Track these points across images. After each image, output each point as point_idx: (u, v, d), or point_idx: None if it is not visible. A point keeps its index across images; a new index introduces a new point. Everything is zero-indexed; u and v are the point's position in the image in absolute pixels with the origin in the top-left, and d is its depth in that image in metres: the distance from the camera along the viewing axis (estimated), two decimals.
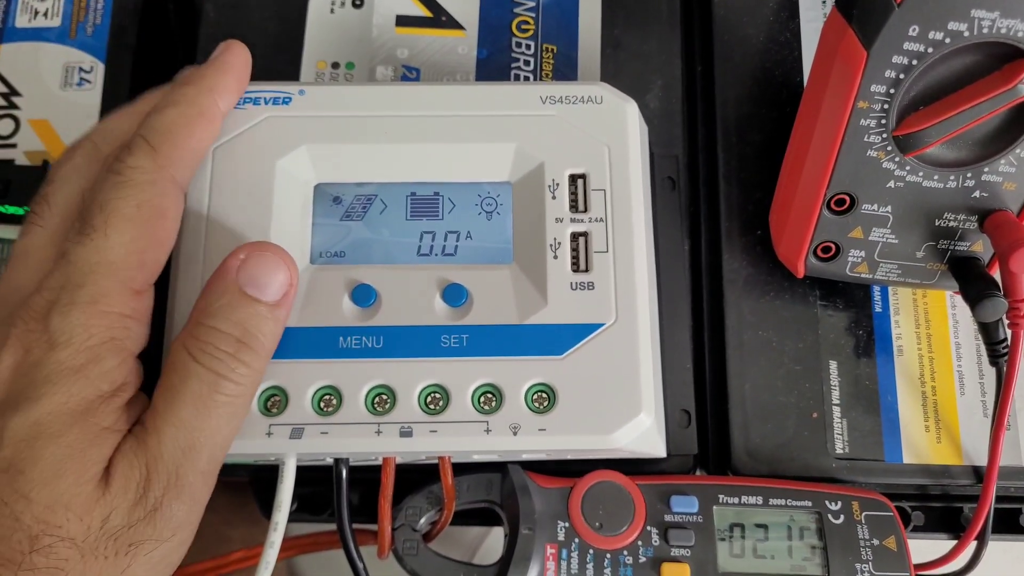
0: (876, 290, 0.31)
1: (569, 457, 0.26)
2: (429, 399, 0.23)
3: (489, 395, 0.23)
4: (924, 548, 0.30)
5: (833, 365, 0.30)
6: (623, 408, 0.23)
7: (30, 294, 0.22)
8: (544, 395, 0.23)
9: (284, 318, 0.23)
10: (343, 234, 0.25)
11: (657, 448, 0.25)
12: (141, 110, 0.25)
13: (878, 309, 0.31)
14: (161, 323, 0.24)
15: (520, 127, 0.26)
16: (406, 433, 0.23)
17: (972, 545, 0.29)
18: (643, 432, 0.23)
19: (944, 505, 0.30)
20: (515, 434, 0.23)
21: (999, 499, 0.30)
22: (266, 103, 0.25)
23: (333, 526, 0.31)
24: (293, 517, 0.30)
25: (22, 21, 0.35)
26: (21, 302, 0.22)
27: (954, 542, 0.29)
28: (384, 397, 0.23)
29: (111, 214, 0.22)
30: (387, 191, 0.26)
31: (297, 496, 0.30)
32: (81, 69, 0.34)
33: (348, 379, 0.23)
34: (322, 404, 0.23)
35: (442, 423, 0.23)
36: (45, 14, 0.35)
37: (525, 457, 0.26)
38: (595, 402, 0.23)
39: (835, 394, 0.30)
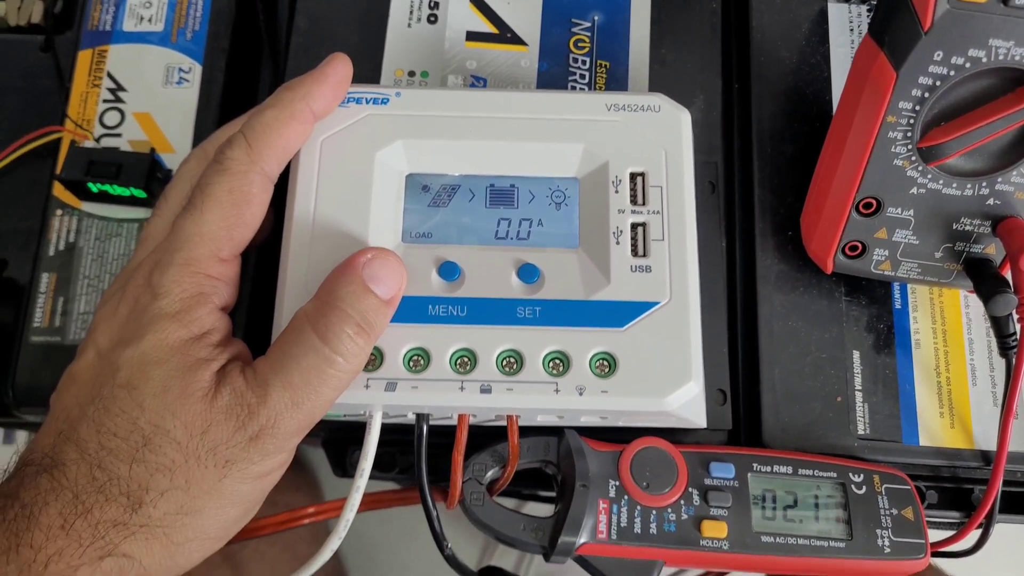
0: (896, 288, 0.34)
1: (622, 423, 0.29)
2: (505, 362, 0.27)
3: (558, 361, 0.27)
4: (936, 533, 0.32)
5: (856, 355, 0.33)
6: (676, 375, 0.26)
7: (144, 262, 0.27)
8: (606, 362, 0.27)
9: (391, 315, 0.26)
10: (430, 218, 0.29)
11: (700, 417, 0.28)
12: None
13: (898, 306, 0.34)
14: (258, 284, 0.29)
15: (588, 130, 0.29)
16: (486, 390, 0.26)
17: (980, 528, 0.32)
18: (692, 398, 0.27)
19: (955, 486, 0.33)
20: (580, 395, 0.26)
21: (1007, 483, 0.33)
22: (367, 103, 0.29)
23: (396, 485, 0.34)
24: None
25: (129, 25, 0.39)
26: (132, 271, 0.27)
27: (964, 522, 0.32)
28: (466, 359, 0.27)
29: (208, 196, 0.26)
30: (469, 182, 0.29)
31: None
32: (180, 69, 0.38)
33: (435, 342, 0.27)
34: (412, 363, 0.27)
35: (517, 383, 0.26)
36: (150, 20, 0.39)
37: (583, 421, 0.29)
38: (651, 369, 0.26)
39: (858, 380, 0.33)
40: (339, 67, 0.28)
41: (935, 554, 0.37)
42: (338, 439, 0.34)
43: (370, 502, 0.35)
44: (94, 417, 0.24)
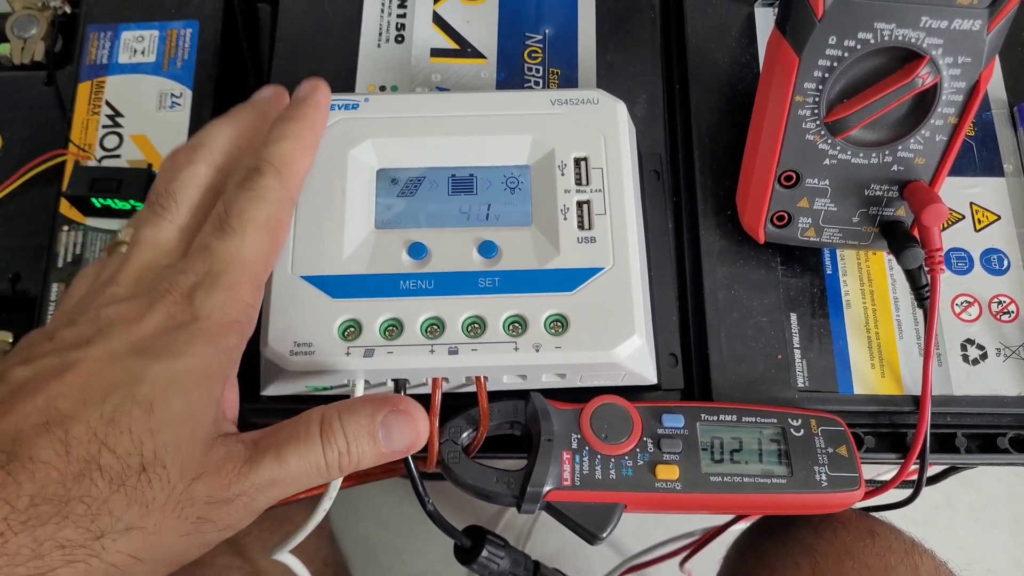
0: (827, 256, 0.38)
1: (581, 382, 0.32)
2: (470, 327, 0.30)
3: (516, 324, 0.30)
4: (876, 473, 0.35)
5: (793, 317, 0.37)
6: (620, 330, 0.30)
7: (172, 275, 0.25)
8: (559, 323, 0.30)
9: (390, 456, 0.27)
10: (400, 206, 0.32)
11: (649, 371, 0.32)
12: (241, 123, 0.30)
13: (829, 271, 0.38)
14: None
15: (535, 123, 0.33)
16: (453, 352, 0.29)
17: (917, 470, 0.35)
18: (636, 350, 0.30)
19: (892, 431, 0.37)
20: (537, 351, 0.29)
21: (937, 426, 0.36)
22: (340, 108, 0.33)
23: None
24: None
25: (124, 58, 0.43)
26: (158, 281, 0.26)
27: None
28: (435, 326, 0.30)
29: (248, 222, 0.26)
30: (433, 174, 0.33)
31: None
32: (172, 95, 0.42)
33: (407, 312, 0.30)
34: (387, 332, 0.30)
35: (481, 344, 0.30)
36: (143, 52, 0.43)
37: (544, 381, 0.32)
38: (599, 326, 0.30)
39: (795, 340, 0.36)
40: (327, 94, 0.31)
41: (878, 508, 0.41)
42: None
43: (360, 476, 0.38)
44: (96, 425, 0.21)
